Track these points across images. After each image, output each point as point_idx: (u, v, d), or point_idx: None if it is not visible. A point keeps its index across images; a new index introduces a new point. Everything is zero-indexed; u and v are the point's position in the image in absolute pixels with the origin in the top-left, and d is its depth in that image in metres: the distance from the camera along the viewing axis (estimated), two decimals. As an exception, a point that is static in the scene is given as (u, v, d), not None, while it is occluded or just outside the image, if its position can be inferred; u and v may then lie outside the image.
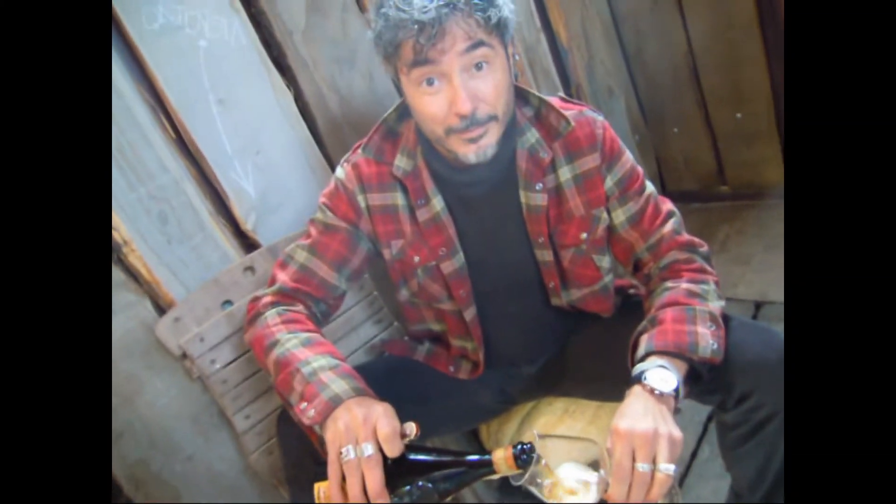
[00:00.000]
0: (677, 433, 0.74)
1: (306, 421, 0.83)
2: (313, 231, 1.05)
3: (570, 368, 1.15)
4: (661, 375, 0.79)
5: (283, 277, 1.02)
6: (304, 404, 0.84)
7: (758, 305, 1.75)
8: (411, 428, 0.77)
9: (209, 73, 1.11)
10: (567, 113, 0.98)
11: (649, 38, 2.06)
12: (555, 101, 1.01)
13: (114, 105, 1.02)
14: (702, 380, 0.85)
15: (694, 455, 1.43)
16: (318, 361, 0.89)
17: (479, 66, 0.86)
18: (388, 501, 0.74)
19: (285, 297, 1.01)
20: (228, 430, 1.17)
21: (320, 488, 0.79)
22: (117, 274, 1.04)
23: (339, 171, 1.05)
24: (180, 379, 1.11)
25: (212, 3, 1.11)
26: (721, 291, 0.95)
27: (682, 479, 1.39)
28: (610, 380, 0.98)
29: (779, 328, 1.57)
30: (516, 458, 0.72)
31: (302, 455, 0.95)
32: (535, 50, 1.72)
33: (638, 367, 0.82)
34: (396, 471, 0.75)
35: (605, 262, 1.06)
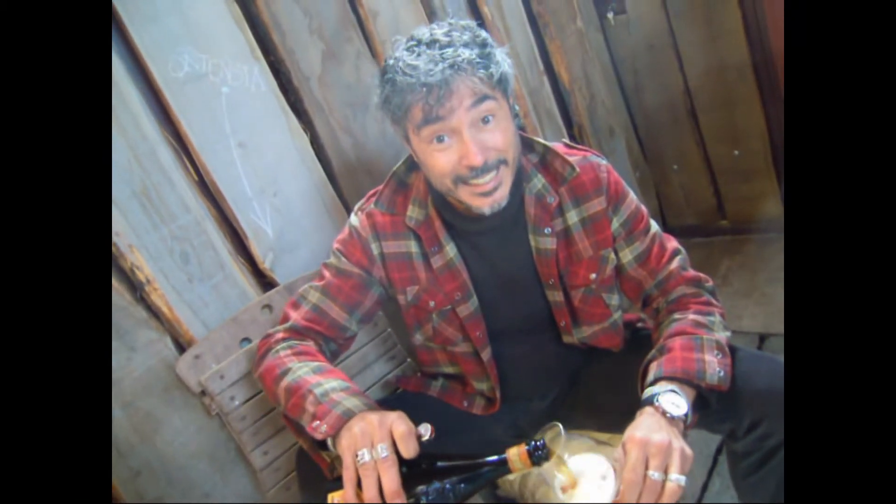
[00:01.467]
0: (689, 450, 0.76)
1: (318, 436, 0.84)
2: (327, 274, 1.07)
3: (580, 401, 1.16)
4: (672, 399, 0.81)
5: (295, 316, 1.05)
6: (317, 422, 0.85)
7: (762, 338, 1.77)
8: (427, 428, 0.79)
9: (230, 117, 1.16)
10: (572, 159, 1.02)
11: (647, 79, 2.13)
12: (559, 147, 1.05)
13: (139, 148, 1.06)
14: (709, 406, 0.87)
15: (705, 487, 1.43)
16: (329, 384, 0.91)
17: (485, 120, 0.89)
18: (405, 503, 0.74)
19: (296, 333, 1.03)
20: (245, 467, 1.17)
21: (334, 497, 0.78)
22: (139, 312, 1.07)
23: (354, 219, 1.08)
24: (199, 416, 1.13)
25: (234, 52, 1.17)
26: (727, 323, 0.98)
27: (695, 513, 1.39)
28: (620, 412, 1.00)
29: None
30: (530, 454, 0.73)
31: (321, 490, 0.96)
32: (538, 93, 1.79)
33: (649, 391, 0.85)
34: (412, 473, 0.76)
35: (613, 300, 1.09)
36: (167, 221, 1.09)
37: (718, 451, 1.48)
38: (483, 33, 0.92)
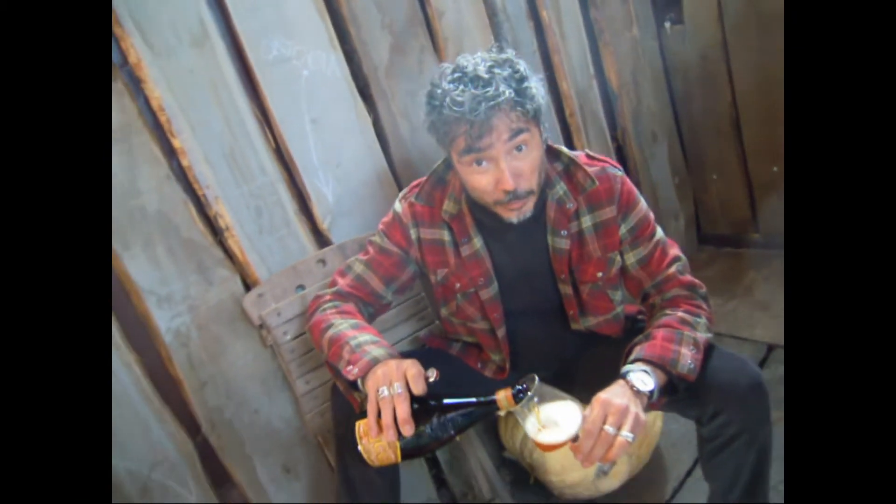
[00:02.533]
0: (643, 417, 0.92)
1: (350, 377, 1.04)
2: (371, 250, 1.26)
3: (579, 378, 1.32)
4: (642, 378, 0.97)
5: (341, 282, 1.25)
6: (350, 366, 1.04)
7: (770, 348, 1.87)
8: (433, 372, 0.97)
9: (307, 97, 1.36)
10: (591, 170, 1.15)
11: (696, 89, 2.21)
12: (581, 157, 1.18)
13: (231, 117, 1.27)
14: (677, 392, 1.02)
15: (689, 473, 1.57)
16: (363, 338, 1.10)
17: (519, 149, 1.03)
18: (414, 431, 0.91)
19: (341, 297, 1.23)
20: (289, 393, 1.40)
21: (360, 424, 0.97)
22: (218, 252, 1.28)
23: (398, 206, 1.24)
24: (256, 345, 1.35)
25: (316, 41, 1.36)
26: (713, 327, 1.11)
27: (675, 492, 1.54)
28: None
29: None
30: (515, 396, 0.90)
31: (349, 417, 1.17)
32: (586, 94, 1.91)
33: (626, 368, 1.00)
34: (421, 408, 0.93)
35: (617, 295, 1.23)
36: (247, 181, 1.30)
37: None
38: (521, 67, 1.03)
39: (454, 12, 1.57)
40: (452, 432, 0.94)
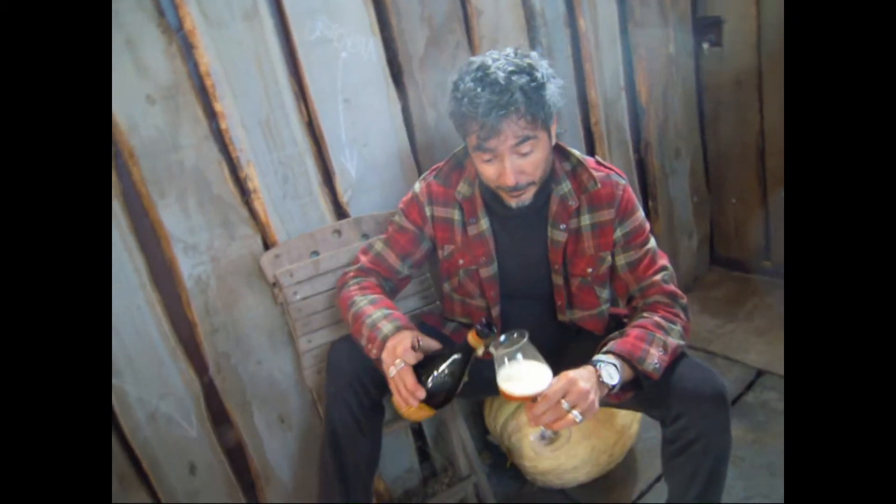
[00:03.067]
0: (598, 406, 1.01)
1: (372, 356, 1.20)
2: (390, 228, 1.39)
3: (560, 369, 1.41)
4: (610, 371, 1.06)
5: (363, 259, 1.38)
6: (370, 345, 1.21)
7: (759, 373, 1.92)
8: (415, 341, 1.11)
9: (343, 77, 1.45)
10: (597, 174, 1.25)
11: (726, 112, 2.24)
12: (590, 161, 1.27)
13: (271, 88, 1.37)
14: (641, 388, 1.10)
15: (658, 479, 1.64)
16: (377, 314, 1.24)
17: (524, 151, 1.13)
18: (423, 395, 1.08)
19: (363, 273, 1.37)
20: (292, 350, 1.51)
21: (393, 400, 1.15)
22: (244, 212, 1.39)
23: (417, 186, 1.36)
24: (267, 301, 1.46)
25: (357, 25, 1.44)
26: (687, 337, 1.19)
27: (641, 494, 1.61)
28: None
29: (773, 397, 1.78)
30: (478, 332, 1.04)
31: (340, 377, 1.28)
32: (613, 105, 1.97)
33: (597, 357, 1.09)
34: (421, 371, 1.11)
35: (604, 294, 1.32)
36: (278, 149, 1.40)
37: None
38: (539, 75, 1.10)
39: (492, 12, 1.64)
40: (453, 380, 1.10)
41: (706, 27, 2.15)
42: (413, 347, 1.10)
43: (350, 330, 1.31)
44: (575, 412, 0.99)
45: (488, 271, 1.32)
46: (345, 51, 1.44)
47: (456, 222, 1.33)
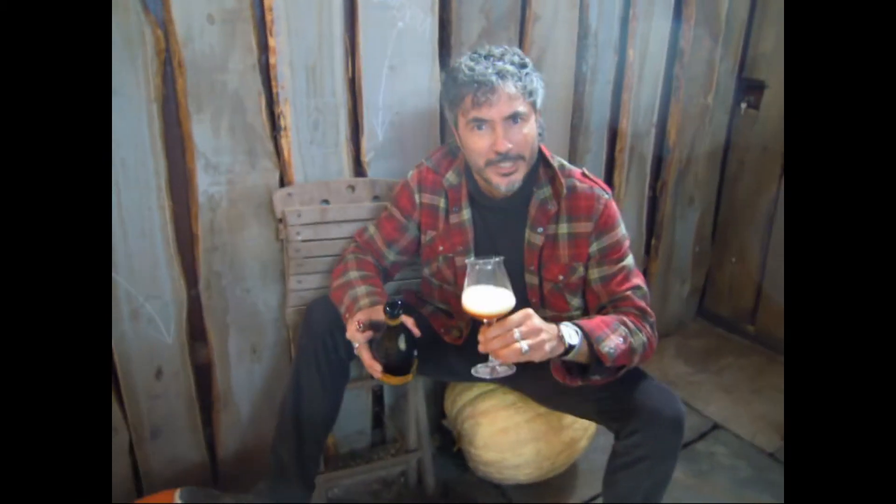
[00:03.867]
0: (547, 349, 1.06)
1: (344, 321, 1.29)
2: (382, 215, 1.47)
3: (528, 372, 1.45)
4: (570, 332, 1.12)
5: (360, 239, 1.48)
6: (347, 314, 1.29)
7: (715, 426, 1.98)
8: (358, 324, 1.22)
9: (395, 45, 1.50)
10: (580, 186, 1.29)
11: (747, 174, 2.30)
12: (576, 172, 1.32)
13: (324, 38, 1.42)
14: (588, 371, 1.16)
15: (594, 497, 1.70)
16: (361, 289, 1.33)
17: (515, 120, 1.19)
18: (380, 368, 1.21)
19: (361, 251, 1.46)
20: (280, 286, 1.56)
21: None
22: (270, 146, 1.45)
23: (409, 174, 1.43)
24: (270, 234, 1.52)
25: (420, 1, 1.50)
26: (649, 351, 1.23)
27: (573, 507, 1.67)
28: (557, 393, 1.32)
29: (722, 452, 1.82)
30: (385, 312, 1.16)
31: (314, 332, 1.36)
32: (641, 138, 2.02)
33: (563, 324, 1.13)
34: (374, 347, 1.22)
35: (574, 301, 1.36)
36: (317, 95, 1.46)
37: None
38: (527, 60, 1.23)
39: (549, 21, 1.69)
40: (396, 353, 1.20)
41: (748, 89, 2.21)
42: (358, 329, 1.21)
43: (331, 293, 1.38)
44: (524, 343, 1.03)
45: (463, 260, 1.37)
46: (402, 21, 1.49)
47: (440, 209, 1.39)
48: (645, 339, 1.22)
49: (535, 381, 1.45)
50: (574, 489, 1.74)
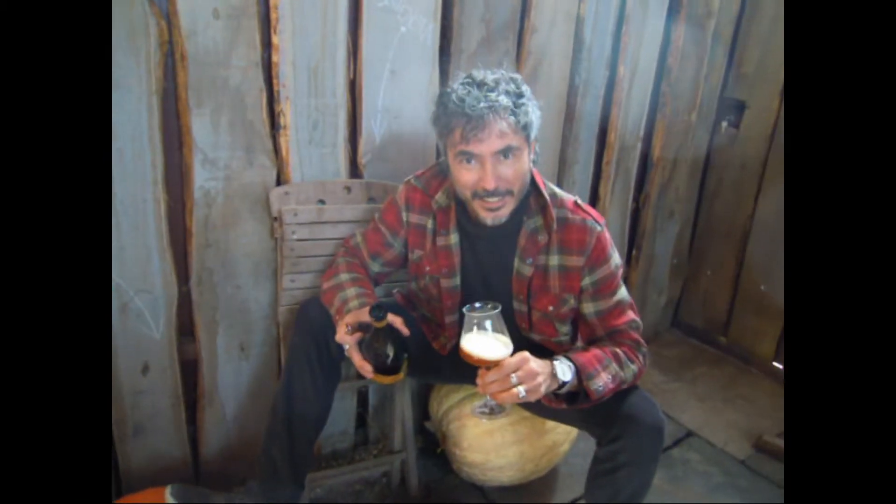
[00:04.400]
0: (543, 391, 1.10)
1: (335, 322, 1.30)
2: (369, 226, 1.47)
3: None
4: (563, 369, 1.14)
5: (348, 245, 1.49)
6: (337, 317, 1.30)
7: (689, 433, 2.04)
8: (348, 329, 1.24)
9: (397, 50, 1.52)
10: (573, 217, 1.27)
11: (726, 190, 2.38)
12: (569, 203, 1.29)
13: (328, 41, 1.43)
14: (576, 400, 1.19)
15: (573, 501, 1.73)
16: (351, 291, 1.34)
17: (506, 155, 1.16)
18: (370, 368, 1.23)
19: (349, 254, 1.48)
20: (272, 285, 1.56)
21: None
22: (268, 143, 1.45)
23: (399, 191, 1.41)
24: (264, 232, 1.51)
25: (423, 7, 1.52)
26: (639, 380, 1.27)
27: (554, 510, 1.70)
28: (536, 402, 1.33)
29: (696, 458, 1.87)
30: (371, 314, 1.18)
31: (306, 332, 1.37)
32: (627, 152, 2.08)
33: (557, 357, 1.16)
34: (364, 348, 1.24)
35: (564, 328, 1.37)
36: (318, 96, 1.46)
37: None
38: (523, 87, 1.18)
39: (545, 33, 1.73)
40: (385, 354, 1.22)
41: (729, 108, 2.29)
42: (347, 332, 1.23)
43: (322, 297, 1.39)
44: (521, 388, 1.06)
45: (449, 283, 1.38)
46: (405, 26, 1.51)
47: (428, 231, 1.37)
48: (636, 369, 1.25)
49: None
50: (554, 492, 1.77)
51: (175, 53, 1.31)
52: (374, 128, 1.56)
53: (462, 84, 1.18)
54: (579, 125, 1.93)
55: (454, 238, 1.34)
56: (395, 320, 1.23)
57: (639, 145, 2.10)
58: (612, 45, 1.91)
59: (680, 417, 2.11)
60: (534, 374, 1.08)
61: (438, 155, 1.67)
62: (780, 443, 1.93)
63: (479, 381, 1.10)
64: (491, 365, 1.09)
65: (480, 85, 1.15)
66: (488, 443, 1.60)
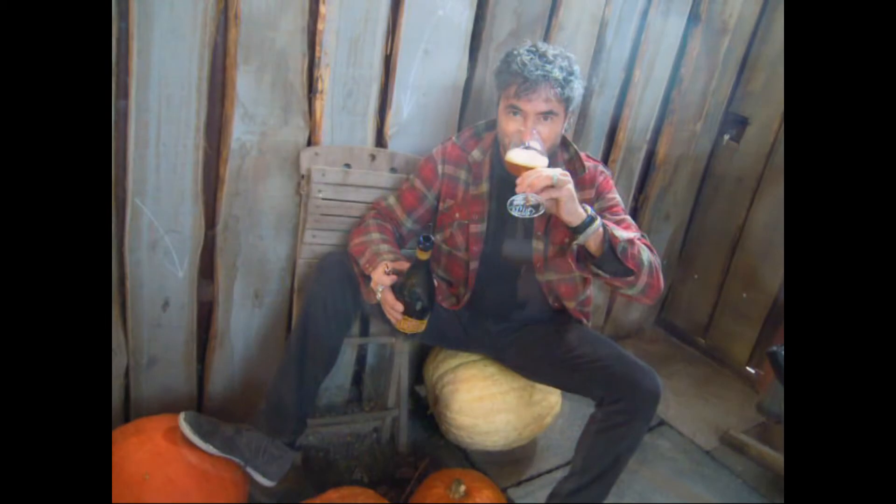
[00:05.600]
0: (569, 190, 1.24)
1: (367, 272, 1.41)
2: (404, 186, 1.61)
3: (518, 345, 1.61)
4: (587, 208, 1.30)
5: (379, 207, 1.61)
6: (368, 265, 1.42)
7: (662, 422, 2.17)
8: (386, 267, 1.36)
9: (432, 31, 1.62)
10: (587, 163, 1.50)
11: (720, 200, 2.50)
12: (582, 154, 1.52)
13: (370, 13, 1.52)
14: (601, 259, 1.32)
15: (549, 471, 1.86)
16: (384, 246, 1.46)
17: (546, 117, 1.37)
18: (402, 308, 1.34)
19: (380, 216, 1.58)
20: (292, 239, 1.66)
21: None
22: (304, 105, 1.54)
23: (434, 149, 1.58)
24: (291, 188, 1.61)
25: (461, -7, 1.62)
26: (655, 289, 1.38)
27: (531, 477, 1.83)
28: (547, 365, 1.50)
29: (666, 446, 2.00)
30: (420, 246, 1.29)
31: (326, 280, 1.47)
32: (633, 152, 2.19)
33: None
34: (397, 290, 1.35)
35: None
36: (355, 66, 1.56)
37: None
38: (575, 67, 1.38)
39: (571, 31, 1.84)
40: (420, 289, 1.33)
41: (732, 122, 2.41)
42: (386, 273, 1.34)
43: (350, 247, 1.51)
44: (556, 172, 1.22)
45: (478, 227, 1.53)
46: (442, 10, 1.61)
47: (461, 181, 1.55)
48: (651, 258, 1.36)
49: (524, 352, 1.60)
50: (532, 461, 1.90)
51: (229, 11, 1.40)
52: (402, 102, 1.66)
53: (528, 51, 1.37)
54: (591, 122, 2.04)
55: (486, 187, 1.51)
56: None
57: (645, 147, 2.22)
58: (631, 49, 2.01)
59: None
60: (566, 176, 1.23)
61: (459, 129, 1.77)
62: (744, 438, 2.07)
63: (518, 181, 1.23)
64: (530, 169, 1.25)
65: (542, 56, 1.35)
66: (478, 408, 1.72)
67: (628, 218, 1.49)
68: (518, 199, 1.26)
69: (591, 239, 1.30)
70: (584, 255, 1.37)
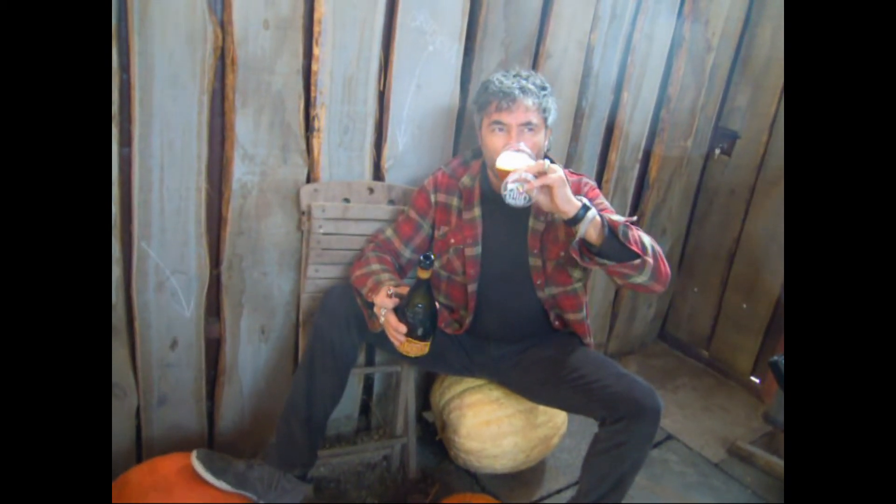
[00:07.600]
0: (559, 176, 1.28)
1: (369, 299, 1.44)
2: (399, 217, 1.67)
3: (520, 368, 1.63)
4: (581, 199, 1.32)
5: (378, 239, 1.66)
6: (370, 293, 1.45)
7: (669, 436, 2.18)
8: (391, 290, 1.40)
9: (423, 66, 1.67)
10: (571, 178, 1.51)
11: (714, 213, 2.54)
12: (566, 170, 1.50)
13: (363, 54, 1.57)
14: (603, 246, 1.32)
15: (559, 491, 1.87)
16: (384, 276, 1.50)
17: (528, 128, 1.43)
18: (405, 329, 1.36)
19: (379, 248, 1.63)
20: (296, 274, 1.70)
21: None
22: (302, 144, 1.59)
23: (425, 181, 1.65)
24: (292, 225, 1.65)
25: (450, 29, 1.67)
26: (663, 274, 1.38)
27: (541, 498, 1.84)
28: (548, 386, 1.51)
29: (674, 459, 2.02)
30: (420, 265, 1.32)
31: (331, 314, 1.51)
32: (626, 171, 2.23)
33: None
34: (400, 313, 1.38)
35: (576, 273, 1.57)
36: (350, 103, 1.61)
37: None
38: (547, 84, 1.48)
39: (559, 59, 1.89)
40: (423, 310, 1.36)
41: (723, 136, 2.45)
42: (388, 295, 1.38)
43: (353, 280, 1.54)
44: (546, 162, 1.28)
45: (472, 251, 1.57)
46: (432, 45, 1.66)
47: (454, 207, 1.60)
48: (652, 242, 1.38)
49: (526, 375, 1.62)
50: (542, 482, 1.91)
51: (226, 58, 1.45)
52: (397, 136, 1.70)
53: (502, 73, 1.49)
54: (583, 144, 2.08)
55: (478, 211, 1.57)
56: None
57: (637, 166, 2.26)
58: (618, 72, 2.06)
59: (661, 422, 2.25)
60: (557, 173, 1.27)
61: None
62: (752, 449, 2.08)
63: (512, 171, 1.29)
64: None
65: (516, 75, 1.47)
66: (485, 432, 1.74)
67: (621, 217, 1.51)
68: (512, 185, 1.28)
69: (591, 227, 1.31)
70: (587, 251, 1.37)
